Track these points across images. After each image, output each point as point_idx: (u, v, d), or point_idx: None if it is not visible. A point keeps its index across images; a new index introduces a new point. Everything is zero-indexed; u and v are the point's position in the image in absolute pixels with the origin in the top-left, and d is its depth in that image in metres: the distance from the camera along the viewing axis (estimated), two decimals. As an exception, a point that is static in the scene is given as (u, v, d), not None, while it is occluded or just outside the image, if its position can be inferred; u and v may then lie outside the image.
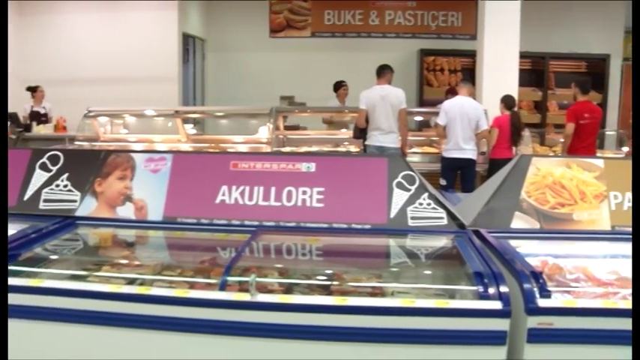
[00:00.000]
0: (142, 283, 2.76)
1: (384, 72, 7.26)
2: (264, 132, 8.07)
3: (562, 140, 7.72)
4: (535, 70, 11.84)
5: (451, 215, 3.23)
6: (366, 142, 7.27)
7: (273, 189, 3.33)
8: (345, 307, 2.48)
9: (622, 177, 3.41)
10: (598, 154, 7.81)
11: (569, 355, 2.50)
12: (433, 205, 3.23)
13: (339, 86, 9.49)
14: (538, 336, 2.46)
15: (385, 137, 7.09)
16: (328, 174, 3.36)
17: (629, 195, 3.34)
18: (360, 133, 7.44)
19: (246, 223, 3.26)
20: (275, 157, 3.59)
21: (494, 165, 6.79)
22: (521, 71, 8.89)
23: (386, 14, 12.17)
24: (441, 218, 3.20)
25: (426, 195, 3.25)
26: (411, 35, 12.13)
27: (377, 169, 3.33)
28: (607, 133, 9.96)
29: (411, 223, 3.19)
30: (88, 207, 3.38)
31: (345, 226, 3.20)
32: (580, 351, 2.50)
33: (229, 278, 2.62)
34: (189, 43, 11.59)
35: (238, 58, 12.21)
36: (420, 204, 3.22)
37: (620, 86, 12.33)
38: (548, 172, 3.37)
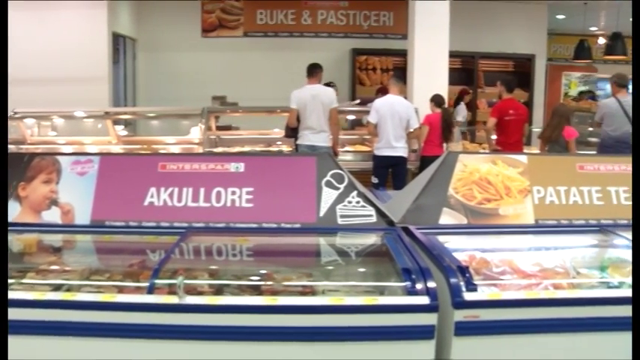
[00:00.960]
0: (69, 289, 2.70)
1: (315, 71, 7.29)
2: (195, 132, 7.98)
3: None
4: (465, 69, 12.14)
5: (380, 213, 3.27)
6: (298, 142, 7.29)
7: (202, 190, 3.31)
8: (275, 306, 2.49)
9: (544, 172, 3.53)
10: (525, 150, 8.04)
11: (495, 346, 2.58)
12: (362, 203, 3.26)
13: None
14: (465, 329, 2.52)
15: (316, 136, 7.13)
16: (257, 174, 3.36)
17: (550, 189, 3.46)
18: (292, 132, 7.45)
19: (176, 224, 3.23)
20: (203, 158, 3.57)
21: (426, 162, 6.87)
22: (452, 70, 9.06)
23: (318, 14, 12.19)
24: (370, 216, 3.24)
25: (354, 193, 3.28)
26: (343, 35, 12.19)
27: (306, 168, 3.34)
28: (534, 129, 10.26)
29: (340, 221, 3.21)
30: (11, 212, 3.28)
31: (274, 225, 3.21)
32: (506, 341, 2.58)
33: (157, 281, 2.59)
34: (119, 43, 11.34)
35: (170, 58, 12.04)
36: (349, 202, 3.25)
37: (544, 85, 12.73)
38: (475, 168, 3.46)
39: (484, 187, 3.40)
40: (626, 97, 7.34)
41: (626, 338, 2.68)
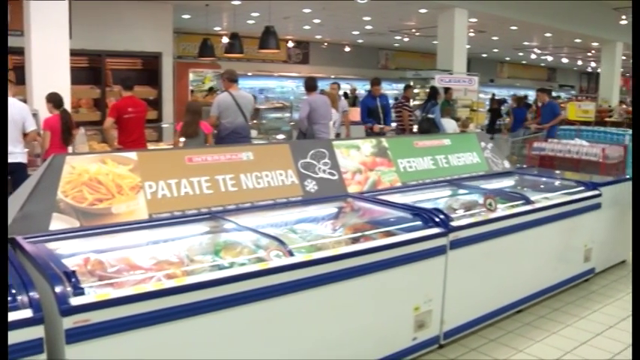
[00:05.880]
0: None
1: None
2: None
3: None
4: (93, 68, 11.83)
5: (-19, 227, 3.02)
6: None
7: None
8: None
9: (155, 167, 3.63)
10: (152, 147, 8.15)
11: (113, 346, 2.56)
12: (-44, 218, 2.98)
13: None
14: (76, 335, 2.46)
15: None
16: None
17: (162, 183, 3.58)
18: None
19: None
20: None
21: (50, 167, 6.56)
22: (78, 69, 8.76)
23: None
24: (-30, 231, 2.98)
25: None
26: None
27: None
28: (163, 125, 10.47)
29: None
30: None
31: None
32: (122, 339, 2.58)
33: None
34: None
35: None
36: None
37: (172, 82, 13.06)
38: (84, 169, 3.40)
39: (95, 188, 3.36)
40: (238, 92, 7.81)
41: (240, 314, 2.90)
